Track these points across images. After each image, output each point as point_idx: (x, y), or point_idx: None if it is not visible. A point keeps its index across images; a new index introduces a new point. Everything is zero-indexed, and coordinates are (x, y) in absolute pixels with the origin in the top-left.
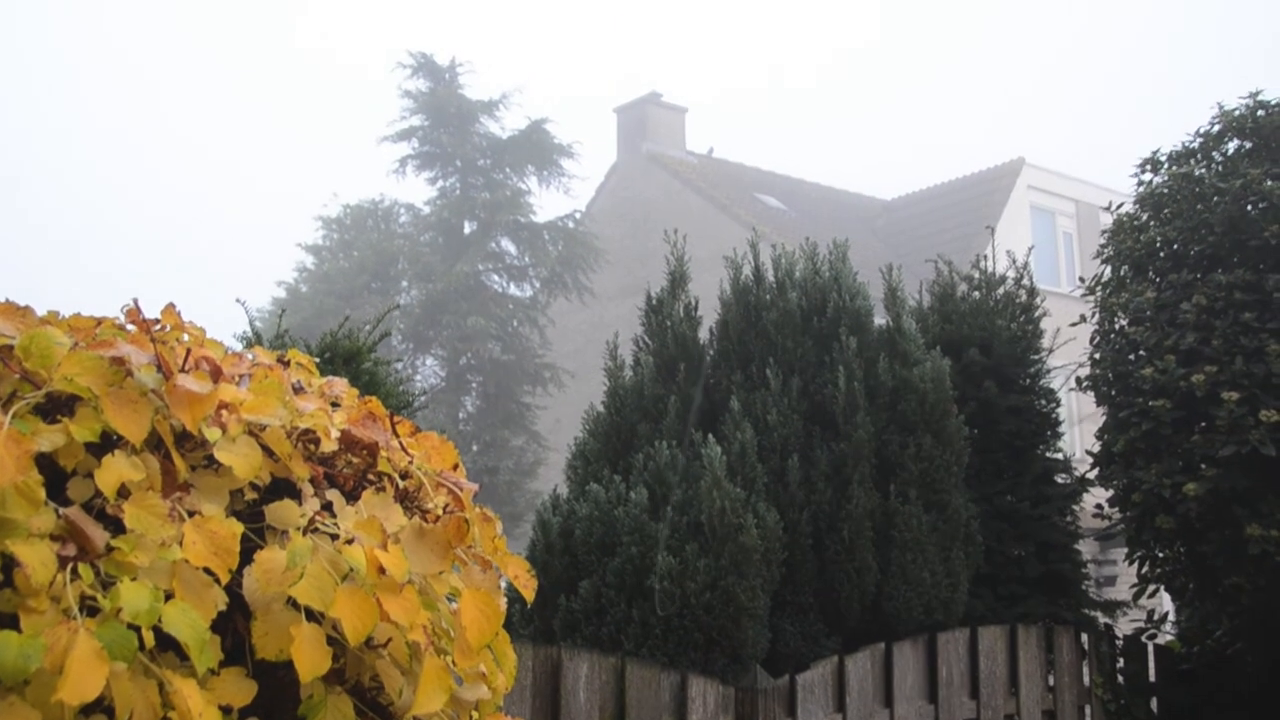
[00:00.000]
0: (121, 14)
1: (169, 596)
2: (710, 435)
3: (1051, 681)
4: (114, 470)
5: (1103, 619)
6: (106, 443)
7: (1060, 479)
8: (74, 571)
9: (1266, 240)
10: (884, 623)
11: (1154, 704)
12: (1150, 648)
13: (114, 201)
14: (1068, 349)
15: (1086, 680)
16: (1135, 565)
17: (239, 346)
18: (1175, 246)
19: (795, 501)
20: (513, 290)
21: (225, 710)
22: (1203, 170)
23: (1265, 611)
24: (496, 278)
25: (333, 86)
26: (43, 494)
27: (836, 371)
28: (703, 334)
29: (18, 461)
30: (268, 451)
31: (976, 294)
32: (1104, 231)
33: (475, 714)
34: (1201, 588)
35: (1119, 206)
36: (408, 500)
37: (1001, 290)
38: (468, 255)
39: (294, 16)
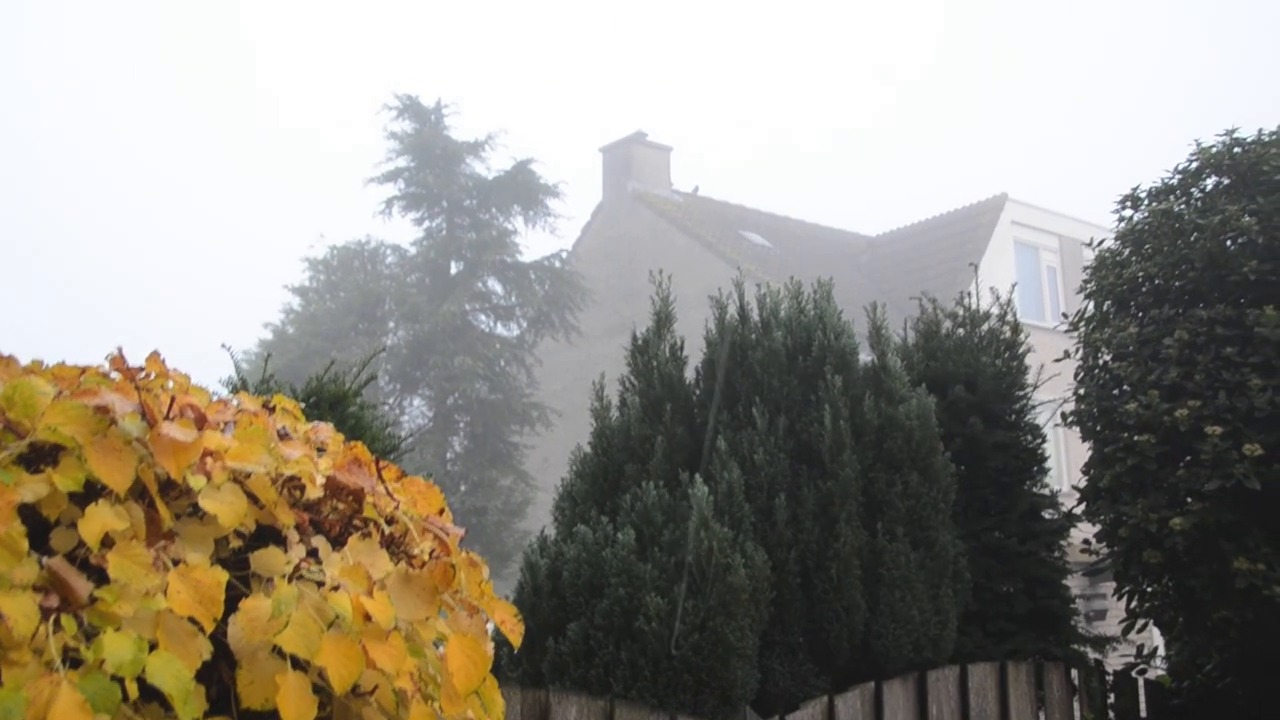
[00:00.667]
0: (104, 57)
1: (153, 646)
2: (697, 475)
3: (1043, 718)
4: (98, 520)
5: (1092, 654)
6: (90, 492)
7: (1047, 514)
8: (57, 623)
9: (1245, 275)
10: (873, 661)
11: None
12: (1141, 683)
13: (99, 243)
14: (1053, 384)
15: (1077, 716)
16: (1124, 600)
17: (224, 392)
18: (1157, 282)
19: (783, 541)
20: (499, 330)
21: None
22: (1182, 206)
23: (1254, 645)
24: (483, 317)
25: (319, 128)
26: (25, 545)
27: (822, 410)
28: (689, 373)
29: (0, 513)
30: (253, 499)
31: (961, 331)
32: (1086, 267)
33: None
34: (1190, 622)
35: (1100, 242)
36: (394, 546)
37: (986, 327)
38: (454, 295)
39: (281, 60)
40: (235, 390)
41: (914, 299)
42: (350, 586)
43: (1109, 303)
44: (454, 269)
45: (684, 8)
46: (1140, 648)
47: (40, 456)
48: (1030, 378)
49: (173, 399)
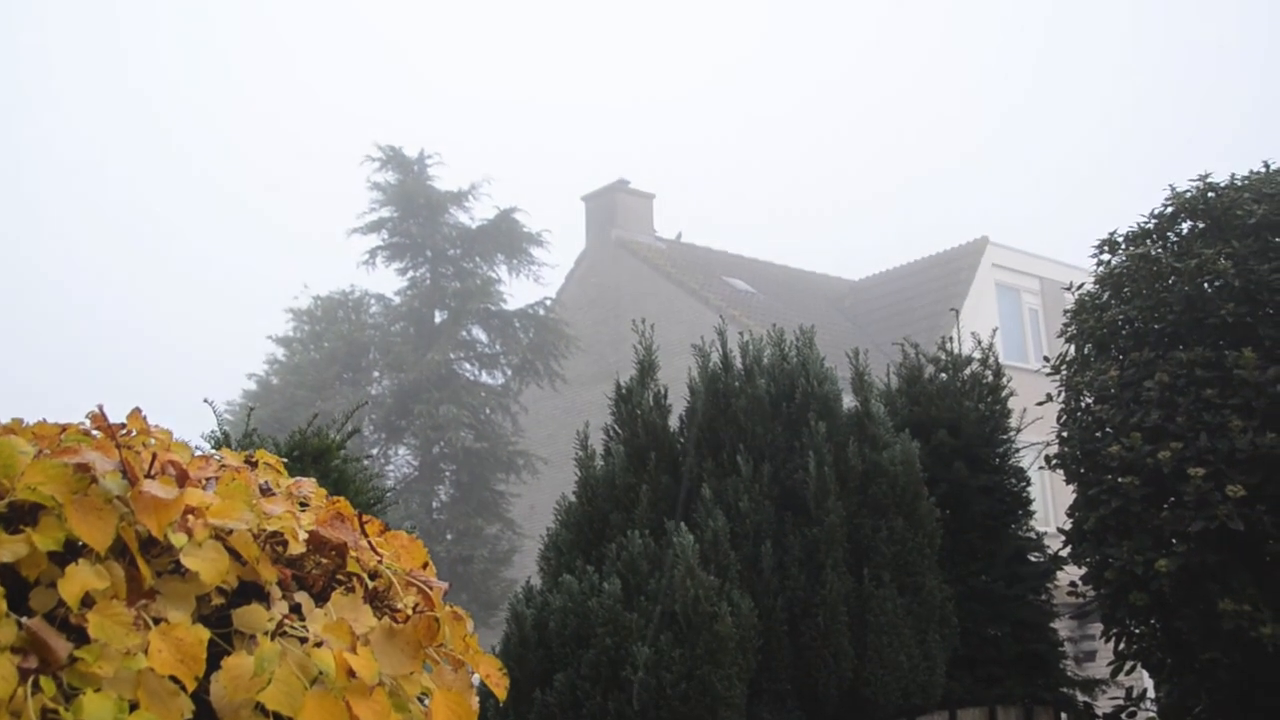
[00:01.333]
0: (88, 102)
1: (134, 706)
2: (683, 523)
3: None
4: (78, 579)
5: (1082, 697)
6: (71, 551)
7: (1034, 557)
8: (35, 684)
9: (1223, 318)
10: (862, 708)
11: None
12: None
13: (80, 294)
14: (1037, 426)
15: None
16: (1112, 642)
17: (207, 446)
18: (1136, 325)
19: (769, 588)
20: (484, 378)
21: None
22: (1159, 250)
23: (1243, 687)
24: (468, 366)
25: (302, 179)
26: (4, 606)
27: (807, 456)
28: (674, 420)
29: None
30: (235, 555)
31: (944, 375)
32: (1067, 310)
33: None
34: (1178, 664)
35: (1080, 286)
36: (377, 600)
37: (968, 371)
38: (439, 344)
39: (264, 109)
40: (218, 445)
41: (897, 344)
42: (333, 642)
43: (1090, 346)
44: (438, 318)
45: (665, 54)
46: (1130, 690)
47: (19, 516)
48: (1014, 421)
49: (154, 456)
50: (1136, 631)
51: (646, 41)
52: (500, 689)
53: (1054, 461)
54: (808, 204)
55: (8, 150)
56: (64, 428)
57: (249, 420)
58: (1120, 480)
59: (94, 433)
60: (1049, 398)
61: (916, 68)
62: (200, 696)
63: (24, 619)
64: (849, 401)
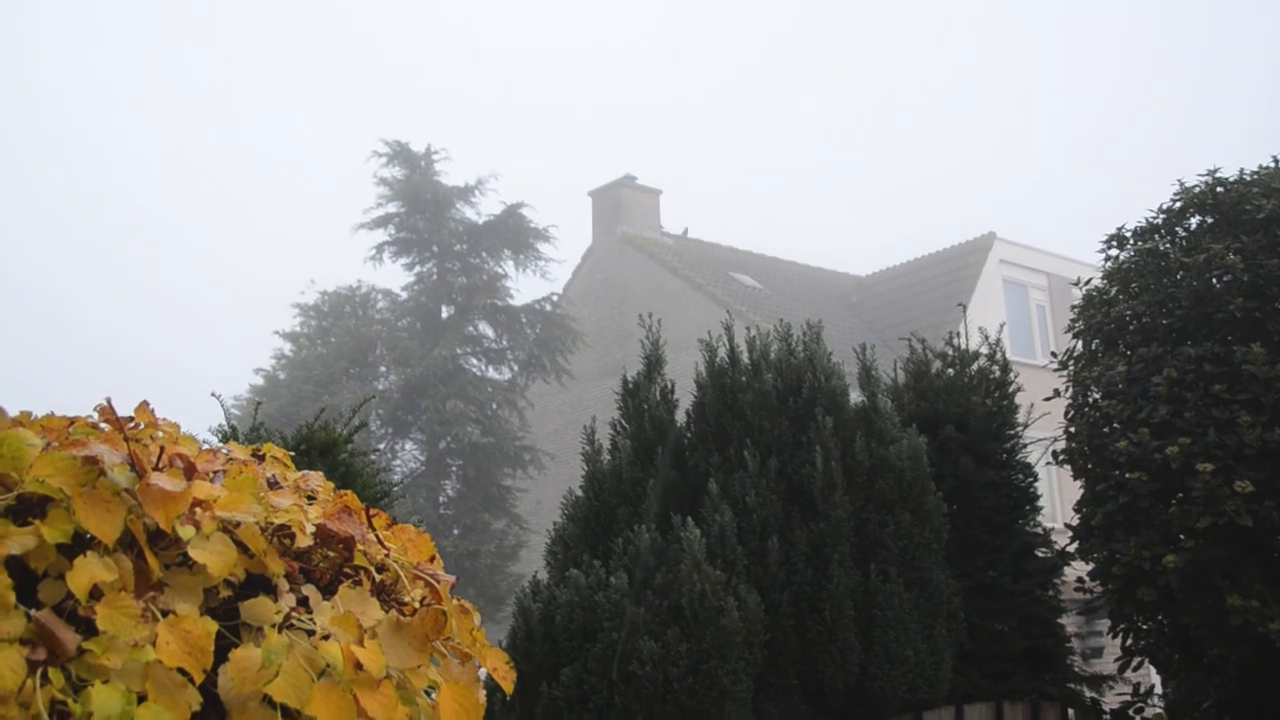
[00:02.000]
0: (92, 97)
1: (142, 698)
2: (689, 518)
3: None
4: (86, 572)
5: (1089, 693)
6: (79, 543)
7: (1041, 553)
8: (44, 676)
9: (1232, 313)
10: (869, 702)
11: None
12: None
13: (86, 288)
14: (1044, 422)
15: None
16: (1119, 638)
17: (214, 440)
18: (1144, 320)
19: (776, 582)
20: (491, 373)
21: None
22: (1167, 245)
23: (1250, 683)
24: (475, 361)
25: (310, 175)
26: (12, 598)
27: (814, 451)
28: (680, 415)
29: None
30: (242, 548)
31: (951, 371)
32: (1074, 306)
33: None
34: (1186, 659)
35: (1088, 281)
36: (385, 593)
37: (975, 366)
38: (445, 340)
39: (269, 105)
40: (225, 438)
41: (904, 339)
42: (341, 635)
43: (1097, 341)
44: (445, 313)
45: (672, 48)
46: (1137, 686)
47: (28, 508)
48: (1021, 416)
49: (162, 449)
50: (1144, 627)
51: (653, 39)
52: (507, 682)
53: (1061, 457)
54: (814, 201)
55: (16, 152)
56: (72, 421)
57: (256, 414)
58: (1128, 476)
59: (102, 426)
60: (1056, 393)
61: (922, 60)
62: (208, 689)
63: (32, 611)
64: (856, 397)
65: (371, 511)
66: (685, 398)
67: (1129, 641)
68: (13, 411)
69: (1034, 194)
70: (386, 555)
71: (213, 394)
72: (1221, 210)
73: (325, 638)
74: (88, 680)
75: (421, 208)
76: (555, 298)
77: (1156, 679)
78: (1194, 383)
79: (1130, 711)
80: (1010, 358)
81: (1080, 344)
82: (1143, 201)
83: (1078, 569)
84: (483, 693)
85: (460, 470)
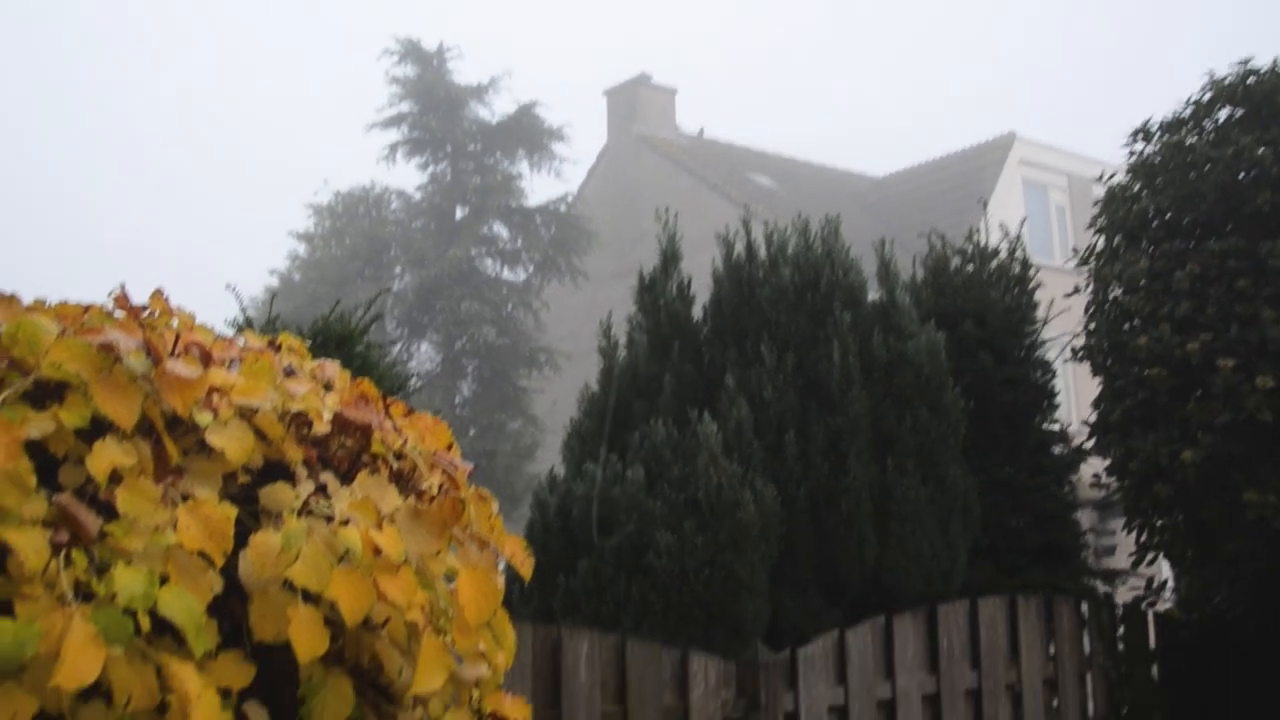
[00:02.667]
0: (106, 5)
1: (164, 580)
2: (706, 412)
3: (1052, 650)
4: (105, 456)
5: (1102, 587)
6: (97, 429)
7: (1057, 449)
8: (68, 557)
9: (1259, 207)
10: (884, 595)
11: (1155, 671)
12: (1150, 615)
13: (101, 189)
14: (1062, 320)
15: (1087, 649)
16: (1134, 534)
17: (230, 332)
18: (1168, 215)
19: (792, 477)
20: (506, 274)
21: (224, 693)
22: (1194, 139)
23: (1264, 577)
24: (490, 262)
25: (320, 73)
26: (34, 481)
27: (831, 346)
28: (696, 311)
29: (7, 449)
30: (260, 435)
31: (970, 267)
32: (1096, 202)
33: (476, 692)
34: (1201, 554)
35: (1111, 177)
36: (402, 481)
37: (995, 263)
38: (460, 240)
39: (282, 4)
40: (240, 330)
41: (922, 236)
42: (360, 521)
43: (1119, 237)
44: (459, 214)
45: None
46: (1150, 580)
47: (46, 394)
48: (1040, 314)
49: (177, 336)
50: (1159, 523)
51: None
52: (526, 568)
53: (1080, 354)
54: (832, 99)
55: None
56: (86, 308)
57: (271, 307)
58: (1147, 372)
59: (117, 313)
60: (1076, 289)
61: None
62: (228, 573)
63: (54, 494)
64: (874, 294)
65: (388, 400)
66: (701, 298)
67: (1144, 537)
68: (26, 300)
69: (1054, 92)
70: (404, 443)
71: (228, 287)
72: (1253, 101)
73: (344, 523)
74: (110, 562)
75: (434, 106)
76: (570, 198)
77: (1169, 574)
78: (1217, 278)
79: (1143, 605)
80: (1029, 258)
81: (1102, 240)
82: (1165, 100)
83: (1094, 465)
84: (501, 578)
85: (476, 370)
